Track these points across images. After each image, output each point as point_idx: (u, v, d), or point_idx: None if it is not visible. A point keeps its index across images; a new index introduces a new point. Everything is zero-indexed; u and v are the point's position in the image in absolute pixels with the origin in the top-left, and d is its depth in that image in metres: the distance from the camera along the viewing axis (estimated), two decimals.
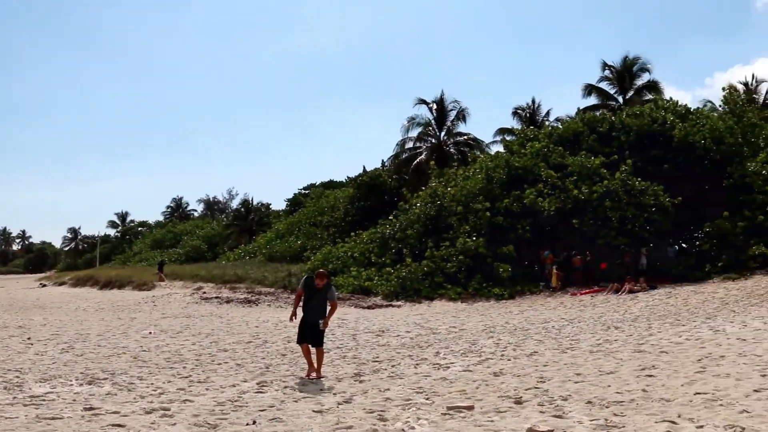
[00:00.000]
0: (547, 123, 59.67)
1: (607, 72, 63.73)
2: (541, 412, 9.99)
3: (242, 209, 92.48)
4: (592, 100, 63.04)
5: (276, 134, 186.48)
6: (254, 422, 9.85)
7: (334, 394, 11.94)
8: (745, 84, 61.14)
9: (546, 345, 17.22)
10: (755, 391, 10.57)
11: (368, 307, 31.91)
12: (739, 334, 16.99)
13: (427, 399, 11.25)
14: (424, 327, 23.21)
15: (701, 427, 8.76)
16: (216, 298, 37.06)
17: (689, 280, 33.03)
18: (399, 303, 33.32)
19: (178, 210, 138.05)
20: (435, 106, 64.69)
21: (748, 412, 9.32)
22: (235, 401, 11.38)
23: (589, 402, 10.45)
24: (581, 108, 50.00)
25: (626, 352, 15.15)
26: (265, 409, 10.72)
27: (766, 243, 33.32)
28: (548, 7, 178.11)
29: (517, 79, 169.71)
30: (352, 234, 46.48)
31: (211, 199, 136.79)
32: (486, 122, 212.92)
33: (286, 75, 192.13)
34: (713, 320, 20.14)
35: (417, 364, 15.07)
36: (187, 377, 13.76)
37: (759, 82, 62.37)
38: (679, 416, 9.31)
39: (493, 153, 51.52)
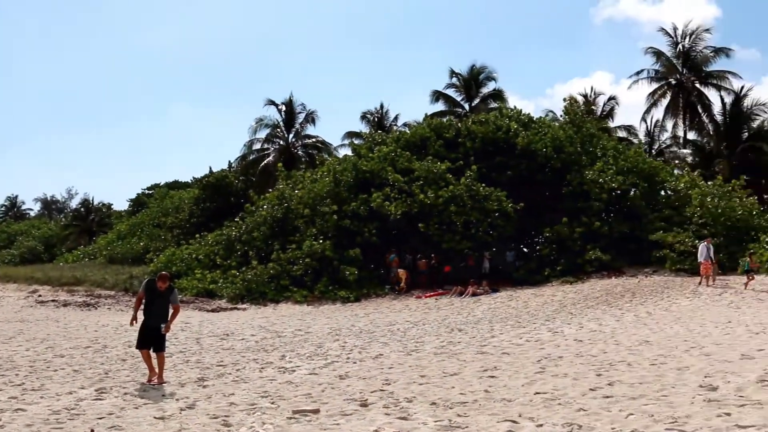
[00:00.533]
0: (395, 128, 60.40)
1: (454, 80, 65.09)
2: (386, 414, 9.97)
3: (82, 209, 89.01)
4: (440, 107, 64.25)
5: (120, 133, 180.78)
6: (92, 431, 9.39)
7: (177, 399, 11.55)
8: (585, 96, 63.79)
9: (391, 347, 17.29)
10: (591, 389, 10.91)
11: (213, 311, 31.24)
12: (576, 335, 17.61)
13: (272, 403, 11.04)
14: (269, 330, 22.90)
15: (541, 425, 8.94)
16: (53, 301, 35.36)
17: (530, 284, 34.11)
18: (244, 306, 32.79)
19: (12, 209, 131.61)
20: (284, 108, 64.32)
21: (584, 410, 9.59)
22: (72, 409, 10.81)
23: (434, 403, 10.50)
24: (429, 114, 50.70)
25: (469, 354, 15.40)
26: (104, 417, 10.23)
27: (602, 248, 34.82)
28: (398, 13, 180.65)
29: (366, 83, 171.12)
30: (197, 236, 45.43)
31: (49, 199, 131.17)
32: (335, 125, 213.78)
33: (130, 73, 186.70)
34: (552, 322, 20.81)
35: (262, 368, 14.81)
36: (20, 385, 12.95)
37: (597, 95, 65.22)
38: (520, 415, 9.48)
39: (341, 156, 51.63)
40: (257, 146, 63.84)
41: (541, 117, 45.52)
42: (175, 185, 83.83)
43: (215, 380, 13.46)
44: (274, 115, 64.53)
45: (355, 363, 15.04)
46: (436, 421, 9.36)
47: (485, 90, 64.82)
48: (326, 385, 12.48)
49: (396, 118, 68.46)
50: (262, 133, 63.94)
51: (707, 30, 64.46)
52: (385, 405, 10.55)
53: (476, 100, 64.19)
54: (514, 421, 9.17)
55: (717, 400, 9.69)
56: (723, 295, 25.31)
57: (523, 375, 12.50)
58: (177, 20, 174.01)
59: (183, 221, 54.99)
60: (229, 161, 67.10)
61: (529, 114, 43.69)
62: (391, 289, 35.11)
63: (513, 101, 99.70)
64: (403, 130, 51.97)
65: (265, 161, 61.30)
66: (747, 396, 9.89)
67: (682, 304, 23.72)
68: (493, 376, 12.53)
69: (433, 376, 12.87)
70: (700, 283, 27.79)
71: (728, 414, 8.94)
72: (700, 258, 28.23)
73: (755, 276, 27.30)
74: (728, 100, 59.48)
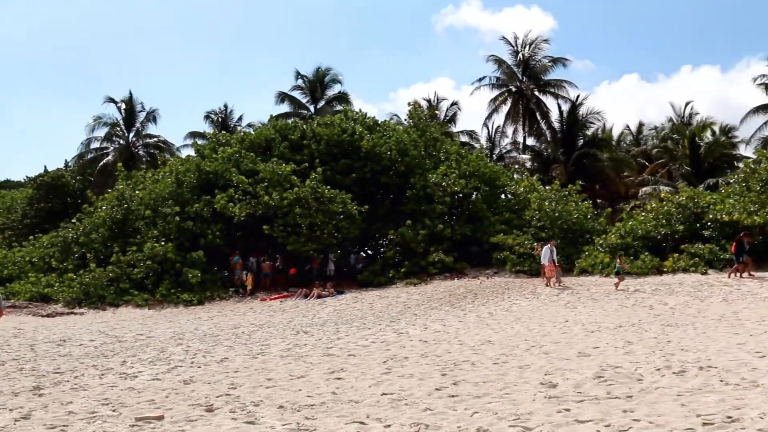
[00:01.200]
0: (239, 128, 59.71)
1: (300, 81, 65.12)
2: (233, 419, 9.74)
3: None
4: (285, 108, 64.14)
5: None
6: None
7: (11, 410, 10.88)
8: (428, 101, 65.07)
9: (236, 351, 16.99)
10: (437, 389, 11.03)
11: (48, 315, 29.88)
12: (421, 336, 17.83)
13: (113, 411, 10.58)
14: (109, 335, 22.09)
15: (389, 426, 8.95)
16: None
17: (374, 285, 34.44)
18: (82, 310, 31.53)
19: None
20: (123, 106, 62.54)
21: (431, 409, 9.68)
22: None
23: (281, 407, 10.36)
24: (274, 115, 50.39)
25: (316, 356, 15.31)
26: None
27: (444, 250, 35.51)
28: (244, 14, 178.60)
29: (210, 83, 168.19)
30: (31, 237, 43.38)
31: None
32: (177, 125, 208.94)
33: None
34: (397, 323, 21.01)
35: (102, 375, 14.22)
36: None
37: (440, 100, 66.71)
38: (367, 417, 9.47)
39: (184, 157, 50.51)
40: (95, 145, 61.93)
41: (385, 121, 46.01)
42: (7, 184, 79.83)
43: (52, 388, 12.81)
44: (113, 113, 62.65)
45: (199, 367, 14.67)
46: (283, 425, 9.22)
47: (330, 92, 65.20)
48: (170, 391, 12.10)
49: (240, 118, 67.82)
50: (101, 132, 62.06)
51: (545, 40, 67.29)
52: (231, 410, 10.31)
53: (321, 103, 64.42)
54: (362, 423, 9.15)
55: (557, 397, 10.00)
56: (560, 296, 26.29)
57: (370, 376, 12.52)
58: (9, 11, 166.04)
59: (15, 222, 52.50)
60: (66, 160, 64.66)
61: (374, 117, 44.12)
62: (236, 291, 34.67)
63: (358, 104, 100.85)
64: (247, 131, 51.44)
65: (104, 161, 59.46)
66: (585, 392, 10.25)
67: (522, 305, 24.47)
68: (340, 378, 12.50)
69: (279, 379, 12.71)
70: (547, 285, 28.71)
71: (568, 410, 9.23)
72: (544, 260, 29.17)
73: (624, 277, 28.37)
74: (565, 108, 62.25)
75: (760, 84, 57.79)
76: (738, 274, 28.08)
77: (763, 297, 22.82)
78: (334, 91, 65.41)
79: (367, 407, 10.08)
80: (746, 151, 59.57)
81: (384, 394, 10.92)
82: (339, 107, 60.54)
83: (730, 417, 8.40)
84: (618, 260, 28.76)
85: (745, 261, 28.24)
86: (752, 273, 28.20)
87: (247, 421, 9.58)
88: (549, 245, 29.51)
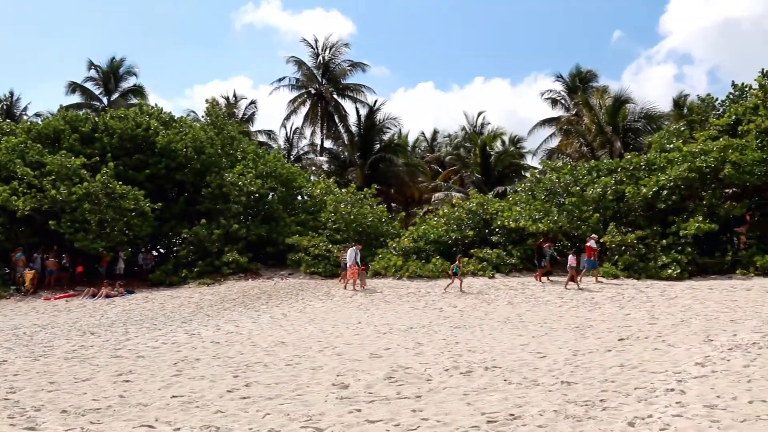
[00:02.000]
0: (25, 118, 56.62)
1: (93, 71, 62.63)
2: (11, 425, 9.21)
3: None
4: (77, 99, 61.50)
5: None
6: None
7: None
8: (227, 98, 64.30)
9: (17, 353, 16.08)
10: (229, 391, 10.92)
11: None
12: (214, 337, 17.57)
13: None
14: None
15: (178, 429, 8.78)
16: None
17: (166, 285, 33.58)
18: None
19: None
20: None
21: (222, 412, 9.56)
22: None
23: (64, 411, 9.90)
24: (64, 106, 48.08)
25: (103, 358, 14.76)
26: None
27: (239, 250, 35.18)
28: (34, 1, 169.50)
29: None
30: None
31: None
32: None
33: None
34: (189, 324, 20.59)
35: None
36: None
37: (239, 98, 66.02)
38: (156, 420, 9.23)
39: None
40: None
41: (182, 117, 44.96)
42: None
43: None
44: None
45: None
46: (66, 430, 8.84)
47: (125, 85, 63.21)
48: None
49: (27, 107, 64.41)
50: None
51: (346, 44, 68.20)
52: (9, 415, 9.75)
53: (115, 95, 62.29)
54: (150, 426, 8.91)
55: (349, 398, 10.13)
56: (354, 298, 26.67)
57: (160, 378, 12.21)
58: None
59: None
60: None
61: (170, 113, 42.96)
62: (17, 290, 32.76)
63: (153, 99, 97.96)
64: (34, 120, 48.85)
65: None
66: (376, 392, 10.44)
67: (316, 306, 24.63)
68: (128, 381, 12.10)
69: (63, 383, 12.14)
70: (345, 287, 28.93)
71: (359, 410, 9.37)
72: (349, 262, 29.40)
73: (462, 278, 28.93)
74: (363, 112, 63.22)
75: (547, 98, 61.35)
76: (539, 278, 29.62)
77: (545, 300, 24.12)
78: (128, 83, 63.46)
79: (156, 410, 9.82)
80: (533, 161, 63.10)
81: (174, 396, 10.68)
82: (134, 100, 58.71)
83: (512, 414, 8.82)
84: (457, 261, 29.46)
85: (545, 266, 29.78)
86: (551, 279, 29.76)
87: (27, 427, 9.10)
88: (354, 248, 29.85)
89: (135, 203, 34.84)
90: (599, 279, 29.39)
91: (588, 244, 29.45)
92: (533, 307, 22.55)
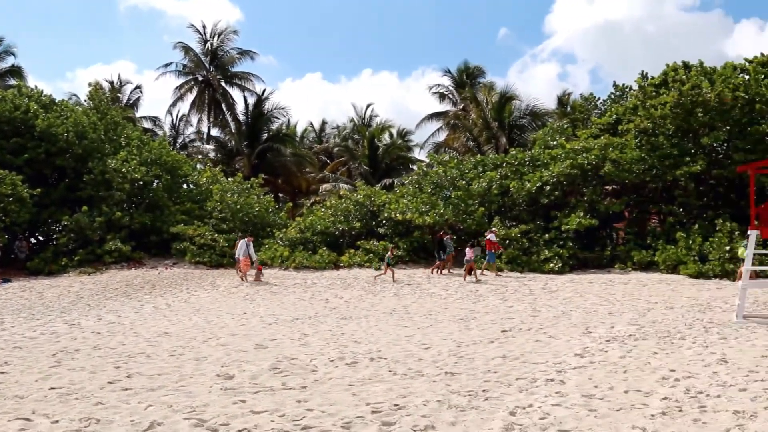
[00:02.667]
0: None
1: None
2: None
3: None
4: None
5: None
6: None
7: None
8: (111, 83, 62.63)
9: None
10: (110, 382, 10.66)
11: None
12: (95, 327, 17.12)
13: None
14: None
15: (56, 422, 8.50)
16: None
17: (46, 274, 32.51)
18: None
19: None
20: None
21: (102, 403, 9.33)
22: None
23: None
24: None
25: None
26: None
27: (122, 239, 34.36)
28: None
29: None
30: None
31: None
32: None
33: None
34: (69, 314, 20.00)
35: None
36: None
37: (123, 83, 64.42)
38: (33, 412, 8.93)
39: None
40: None
41: (63, 100, 43.49)
42: None
43: None
44: None
45: None
46: None
47: (2, 65, 60.75)
48: None
49: None
50: None
51: (234, 32, 67.24)
52: None
53: None
54: (27, 419, 8.61)
55: (233, 388, 10.04)
56: (240, 288, 26.43)
57: (37, 370, 11.81)
58: None
59: None
60: None
61: (50, 96, 41.55)
62: None
63: (32, 81, 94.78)
64: None
65: None
66: (261, 383, 10.38)
67: (202, 296, 24.29)
68: (3, 372, 11.66)
69: None
70: (242, 279, 28.50)
71: (243, 401, 9.29)
72: (239, 254, 28.92)
73: (393, 269, 28.86)
74: (251, 101, 62.67)
75: (435, 93, 61.99)
76: (439, 271, 29.89)
77: (430, 292, 24.42)
78: (6, 63, 61.01)
79: (33, 402, 9.50)
80: (420, 154, 63.79)
81: (52, 388, 10.36)
82: (12, 82, 56.52)
83: (396, 405, 8.90)
84: (390, 252, 29.38)
85: (446, 258, 30.06)
86: (451, 271, 30.09)
87: None
88: (246, 240, 29.47)
89: (12, 188, 33.53)
90: (499, 273, 29.97)
91: (488, 237, 29.95)
92: (419, 299, 22.80)
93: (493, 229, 31.05)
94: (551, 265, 30.57)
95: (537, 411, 8.60)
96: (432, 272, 30.02)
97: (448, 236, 31.05)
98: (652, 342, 13.59)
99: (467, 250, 28.80)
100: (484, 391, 9.70)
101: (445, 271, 30.13)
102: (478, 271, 29.01)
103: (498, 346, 13.44)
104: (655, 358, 11.90)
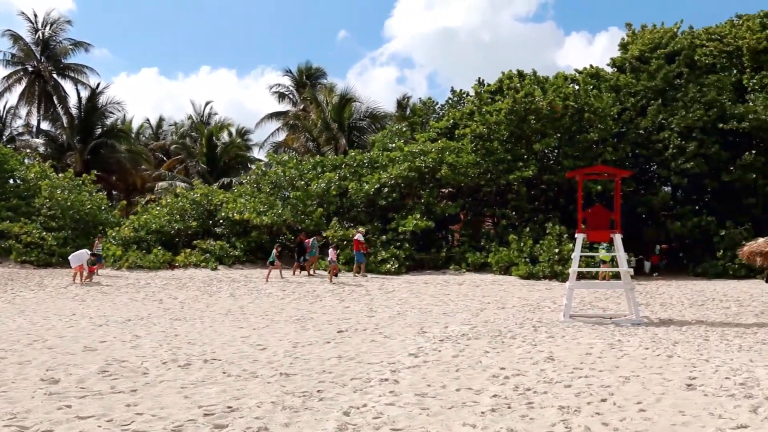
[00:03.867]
0: None
1: None
2: None
3: None
4: None
5: None
6: None
7: None
8: None
9: None
10: None
11: None
12: None
13: None
14: None
15: None
16: None
17: None
18: None
19: None
20: None
21: None
22: None
23: None
24: None
25: None
26: None
27: None
28: None
29: None
30: None
31: None
32: None
33: None
34: None
35: None
36: None
37: None
38: None
39: None
40: None
41: None
42: None
43: None
44: None
45: None
46: None
47: None
48: None
49: None
50: None
51: (68, 21, 64.50)
52: None
53: None
54: None
55: (58, 393, 9.59)
56: (69, 288, 25.43)
57: None
58: None
59: None
60: None
61: None
62: None
63: None
64: None
65: None
66: (88, 387, 9.97)
67: (27, 297, 23.24)
68: None
69: None
70: (81, 282, 27.30)
71: (69, 406, 8.89)
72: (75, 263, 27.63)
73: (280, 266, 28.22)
74: (84, 94, 60.26)
75: (275, 92, 61.61)
76: (299, 272, 29.58)
77: (268, 293, 24.24)
78: None
79: None
80: (259, 154, 63.21)
81: None
82: None
83: (230, 407, 8.74)
84: (275, 250, 28.76)
85: (309, 260, 29.77)
86: (312, 273, 29.91)
87: None
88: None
89: None
90: (364, 273, 30.12)
91: (355, 237, 30.07)
92: (255, 300, 22.59)
93: (360, 229, 31.26)
94: (388, 266, 30.97)
95: (371, 410, 8.62)
96: (293, 273, 29.64)
97: (315, 237, 30.75)
98: (484, 341, 13.94)
99: (330, 251, 28.83)
100: (318, 391, 9.66)
101: (304, 273, 29.84)
102: (344, 272, 29.22)
103: (334, 347, 13.44)
104: (486, 357, 12.20)
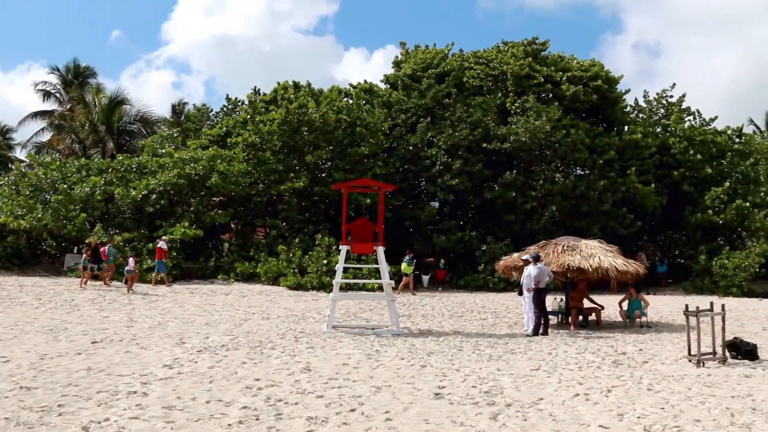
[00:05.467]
0: None
1: None
2: None
3: None
4: None
5: None
6: None
7: None
8: None
9: None
10: None
11: None
12: None
13: None
14: None
15: None
16: None
17: None
18: None
19: None
20: None
21: None
22: None
23: None
24: None
25: None
26: None
27: None
28: None
29: None
30: None
31: None
32: None
33: None
34: None
35: None
36: None
37: None
38: None
39: None
40: None
41: None
42: None
43: None
44: None
45: None
46: None
47: None
48: None
49: None
50: None
51: None
52: None
53: None
54: None
55: None
56: None
57: None
58: None
59: None
60: None
61: None
62: None
63: None
64: None
65: None
66: None
67: None
68: None
69: None
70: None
71: None
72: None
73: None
74: None
75: (40, 90, 58.34)
76: (87, 282, 27.83)
77: (21, 302, 22.78)
78: None
79: None
80: (21, 154, 59.56)
81: None
82: None
83: None
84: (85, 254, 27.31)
85: (109, 268, 28.43)
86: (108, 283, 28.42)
87: None
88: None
89: None
90: (169, 283, 29.33)
91: (159, 245, 29.08)
92: (6, 308, 21.15)
93: (164, 237, 30.20)
94: (153, 274, 30.07)
95: (112, 425, 8.22)
96: (81, 284, 27.71)
97: (110, 244, 29.14)
98: (243, 352, 13.75)
99: (130, 260, 27.55)
100: (59, 405, 9.11)
101: (97, 283, 28.35)
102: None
103: (85, 358, 12.79)
104: (243, 368, 12.02)
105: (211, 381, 10.87)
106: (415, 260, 31.63)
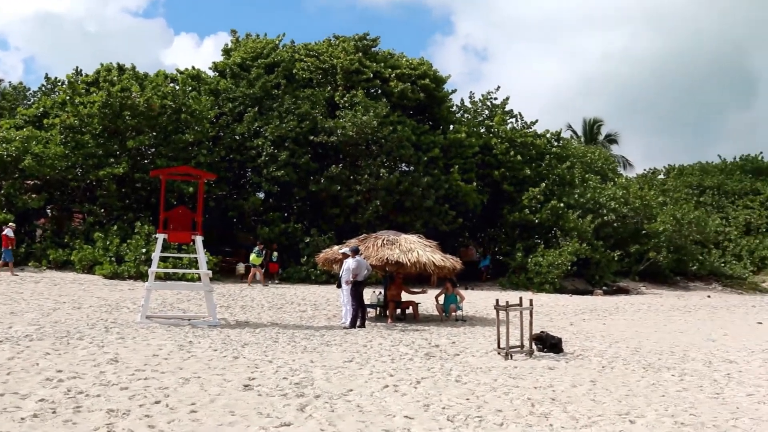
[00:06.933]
0: None
1: None
2: None
3: None
4: None
5: None
6: None
7: None
8: None
9: None
10: None
11: None
12: None
13: None
14: None
15: None
16: None
17: None
18: None
19: None
20: None
21: None
22: None
23: None
24: None
25: None
26: None
27: None
28: None
29: None
30: None
31: None
32: None
33: None
34: None
35: None
36: None
37: None
38: None
39: None
40: None
41: None
42: None
43: None
44: None
45: None
46: None
47: None
48: None
49: None
50: None
51: None
52: None
53: None
54: None
55: None
56: None
57: None
58: None
59: None
60: None
61: None
62: None
63: None
64: None
65: None
66: None
67: None
68: None
69: None
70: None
71: None
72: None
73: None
74: None
75: None
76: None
77: None
78: None
79: None
80: None
81: None
82: None
83: None
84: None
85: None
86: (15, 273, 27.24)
87: None
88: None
89: None
90: (15, 272, 27.54)
91: (4, 233, 27.52)
92: None
93: (11, 224, 28.41)
94: None
95: None
96: None
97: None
98: (47, 342, 13.13)
99: None
100: None
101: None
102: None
103: None
104: (45, 359, 11.46)
105: (8, 373, 10.29)
106: (264, 251, 31.50)
